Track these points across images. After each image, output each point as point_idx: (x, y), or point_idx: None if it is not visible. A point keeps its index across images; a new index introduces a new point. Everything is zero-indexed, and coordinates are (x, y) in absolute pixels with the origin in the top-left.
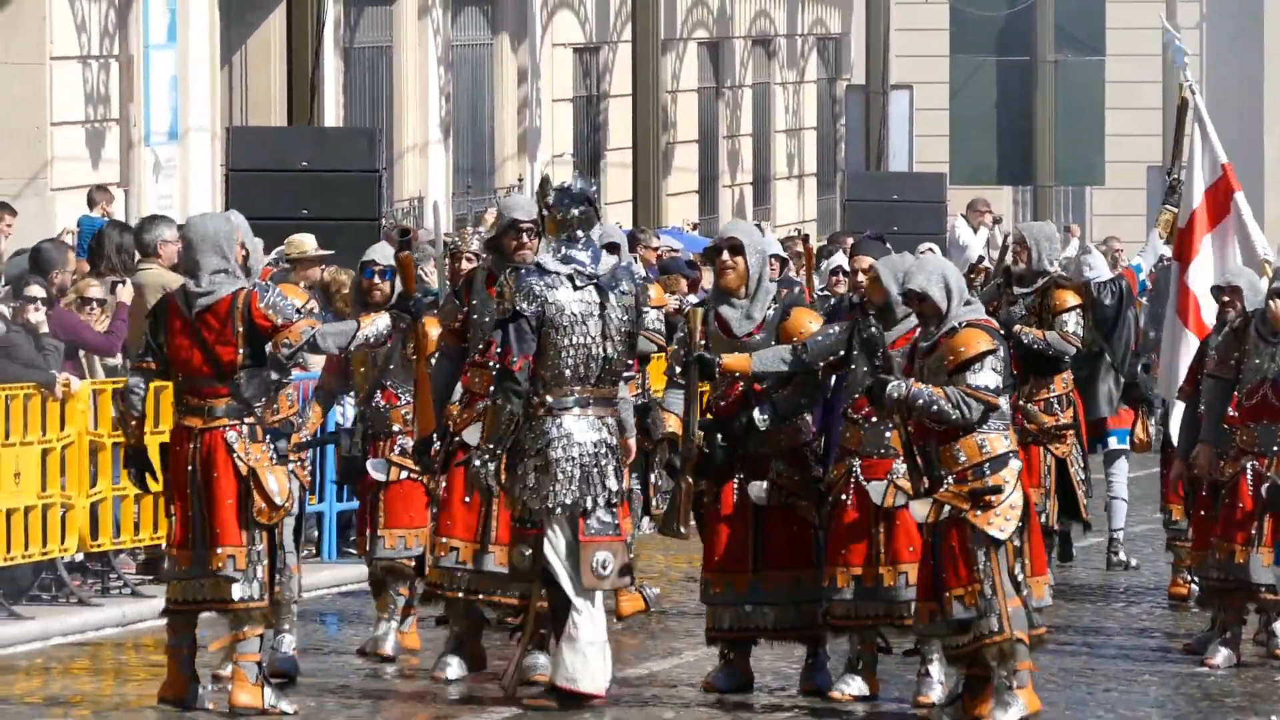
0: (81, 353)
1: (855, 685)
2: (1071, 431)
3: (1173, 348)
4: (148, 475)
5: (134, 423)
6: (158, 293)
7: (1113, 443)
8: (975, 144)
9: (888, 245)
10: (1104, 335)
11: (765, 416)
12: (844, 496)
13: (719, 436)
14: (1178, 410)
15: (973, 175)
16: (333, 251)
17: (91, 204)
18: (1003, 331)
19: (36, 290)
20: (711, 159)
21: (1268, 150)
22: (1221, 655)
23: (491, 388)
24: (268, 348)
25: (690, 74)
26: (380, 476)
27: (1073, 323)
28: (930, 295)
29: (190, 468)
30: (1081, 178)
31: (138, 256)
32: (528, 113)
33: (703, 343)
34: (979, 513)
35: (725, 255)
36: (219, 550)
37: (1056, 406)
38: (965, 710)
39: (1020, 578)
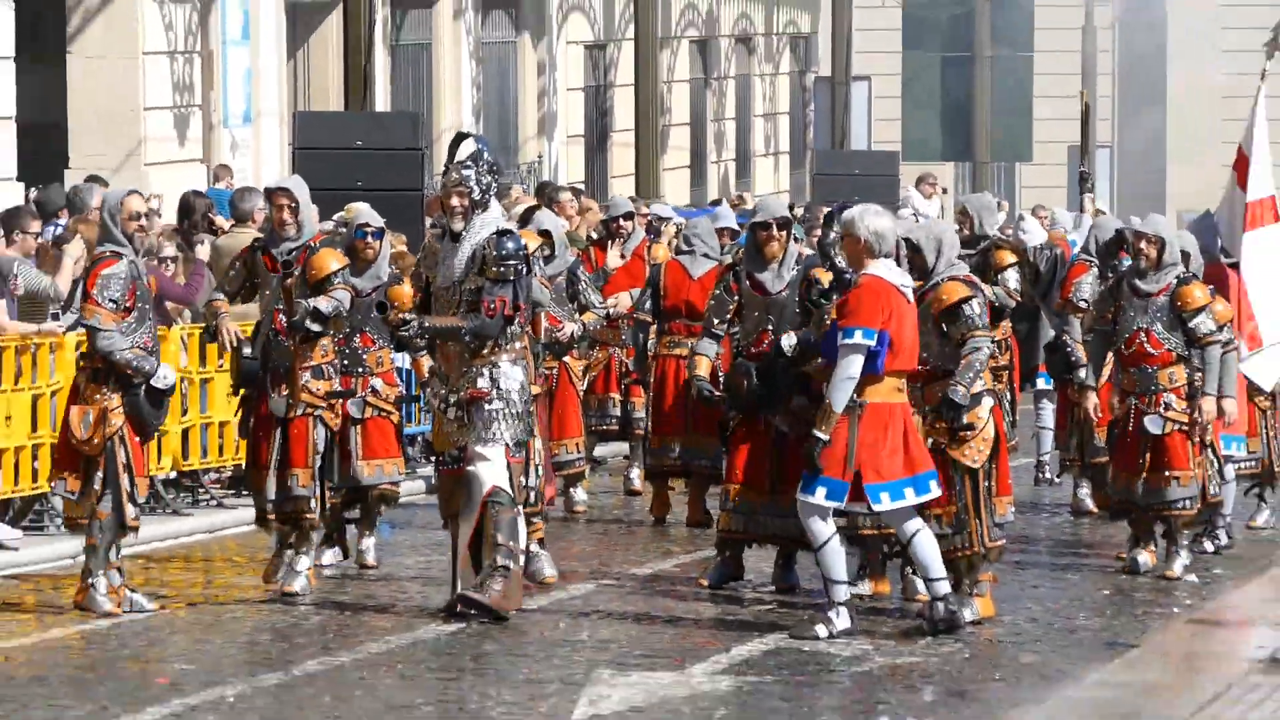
0: (167, 303)
1: (864, 586)
2: (1006, 371)
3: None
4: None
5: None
6: (231, 254)
7: (1040, 383)
8: (924, 126)
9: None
10: (1040, 296)
11: (793, 343)
12: None
13: (752, 374)
14: None
15: (921, 153)
16: (384, 220)
17: (216, 179)
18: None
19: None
20: (700, 140)
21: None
22: (1178, 563)
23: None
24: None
25: (683, 67)
26: (356, 413)
27: (1013, 279)
28: (922, 249)
29: None
30: (1013, 155)
31: (231, 221)
32: (545, 100)
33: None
34: (955, 445)
35: (774, 229)
36: None
37: (996, 350)
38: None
39: (988, 498)
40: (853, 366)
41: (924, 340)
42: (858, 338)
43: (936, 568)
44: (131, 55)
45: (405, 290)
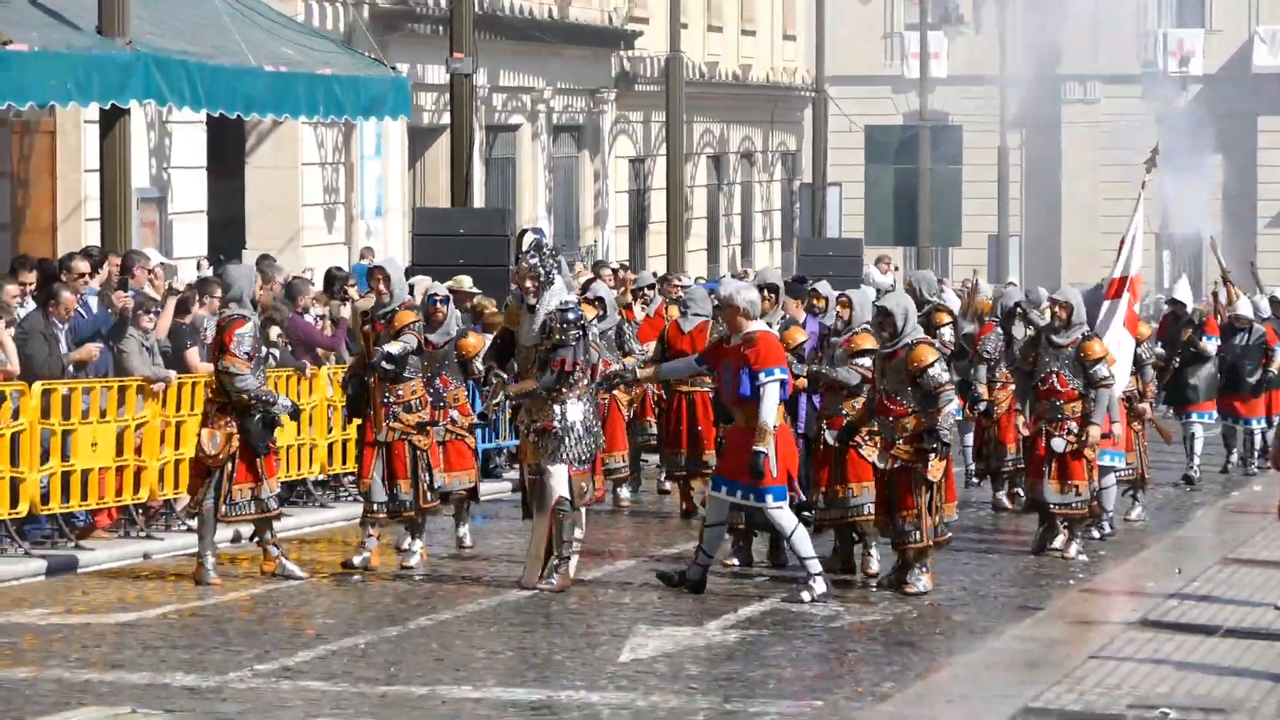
0: (318, 349)
1: (832, 561)
2: None
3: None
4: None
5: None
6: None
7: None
8: (880, 219)
9: (807, 283)
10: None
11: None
12: (819, 443)
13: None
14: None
15: (879, 239)
16: (479, 291)
17: (362, 257)
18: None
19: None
20: (715, 229)
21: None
22: (1073, 547)
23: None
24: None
25: (702, 175)
26: (439, 437)
27: (948, 334)
28: (894, 315)
29: None
30: (947, 241)
31: (366, 290)
32: (600, 199)
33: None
34: (920, 464)
35: (765, 292)
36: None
37: None
38: (898, 579)
39: (939, 503)
40: (777, 395)
41: (900, 388)
42: (778, 374)
43: (809, 549)
44: (293, 165)
45: (471, 341)
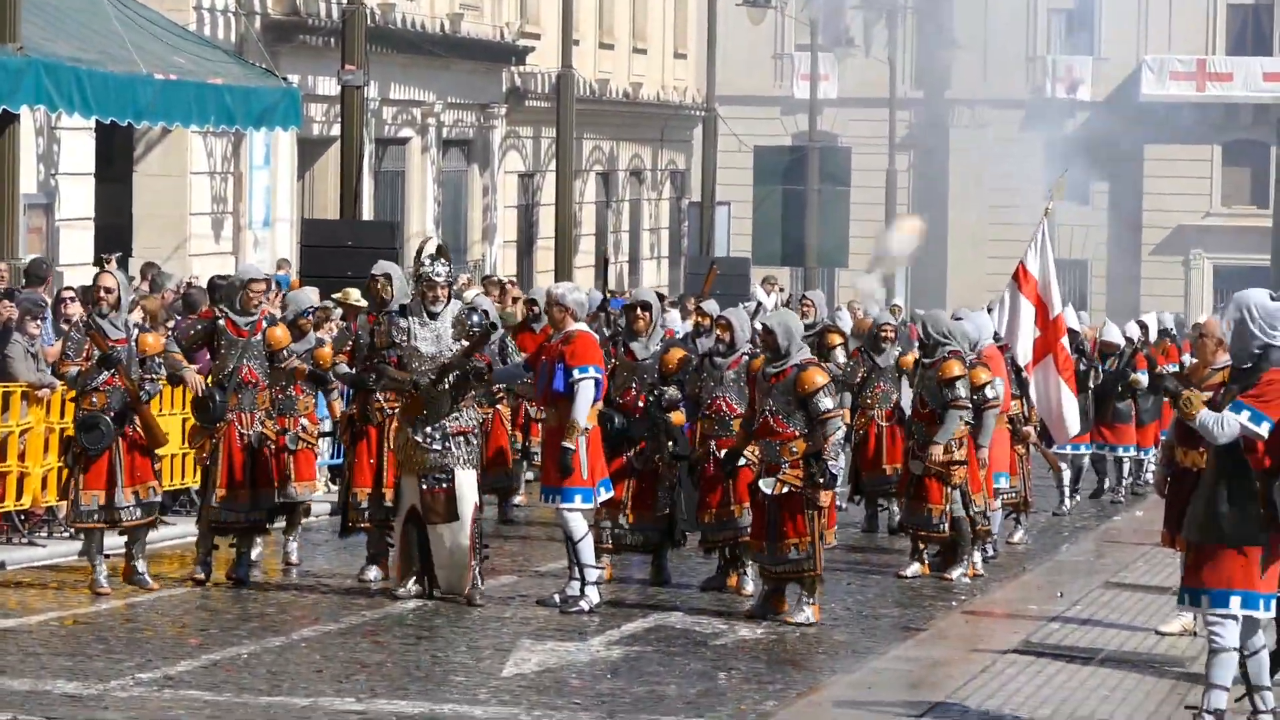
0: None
1: (717, 580)
2: None
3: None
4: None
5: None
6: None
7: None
8: (768, 239)
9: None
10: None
11: (621, 421)
12: (707, 464)
13: (614, 419)
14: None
15: (766, 259)
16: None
17: (280, 268)
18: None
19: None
20: (603, 246)
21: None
22: (955, 570)
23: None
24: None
25: (591, 192)
26: (291, 446)
27: (841, 355)
28: (775, 333)
29: None
30: (833, 262)
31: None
32: (489, 214)
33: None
34: (811, 489)
35: (639, 310)
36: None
37: None
38: (773, 607)
39: (822, 528)
40: (590, 394)
41: (787, 410)
42: (592, 372)
43: (591, 558)
44: (181, 174)
45: (325, 351)
